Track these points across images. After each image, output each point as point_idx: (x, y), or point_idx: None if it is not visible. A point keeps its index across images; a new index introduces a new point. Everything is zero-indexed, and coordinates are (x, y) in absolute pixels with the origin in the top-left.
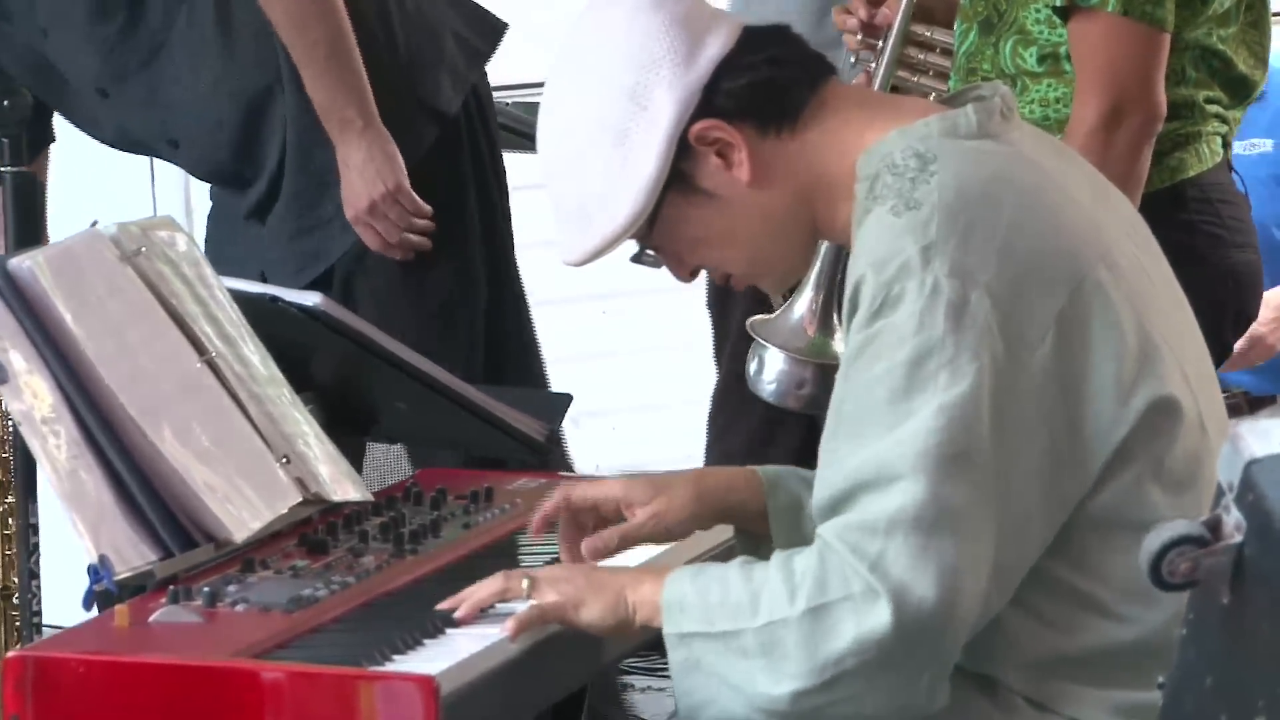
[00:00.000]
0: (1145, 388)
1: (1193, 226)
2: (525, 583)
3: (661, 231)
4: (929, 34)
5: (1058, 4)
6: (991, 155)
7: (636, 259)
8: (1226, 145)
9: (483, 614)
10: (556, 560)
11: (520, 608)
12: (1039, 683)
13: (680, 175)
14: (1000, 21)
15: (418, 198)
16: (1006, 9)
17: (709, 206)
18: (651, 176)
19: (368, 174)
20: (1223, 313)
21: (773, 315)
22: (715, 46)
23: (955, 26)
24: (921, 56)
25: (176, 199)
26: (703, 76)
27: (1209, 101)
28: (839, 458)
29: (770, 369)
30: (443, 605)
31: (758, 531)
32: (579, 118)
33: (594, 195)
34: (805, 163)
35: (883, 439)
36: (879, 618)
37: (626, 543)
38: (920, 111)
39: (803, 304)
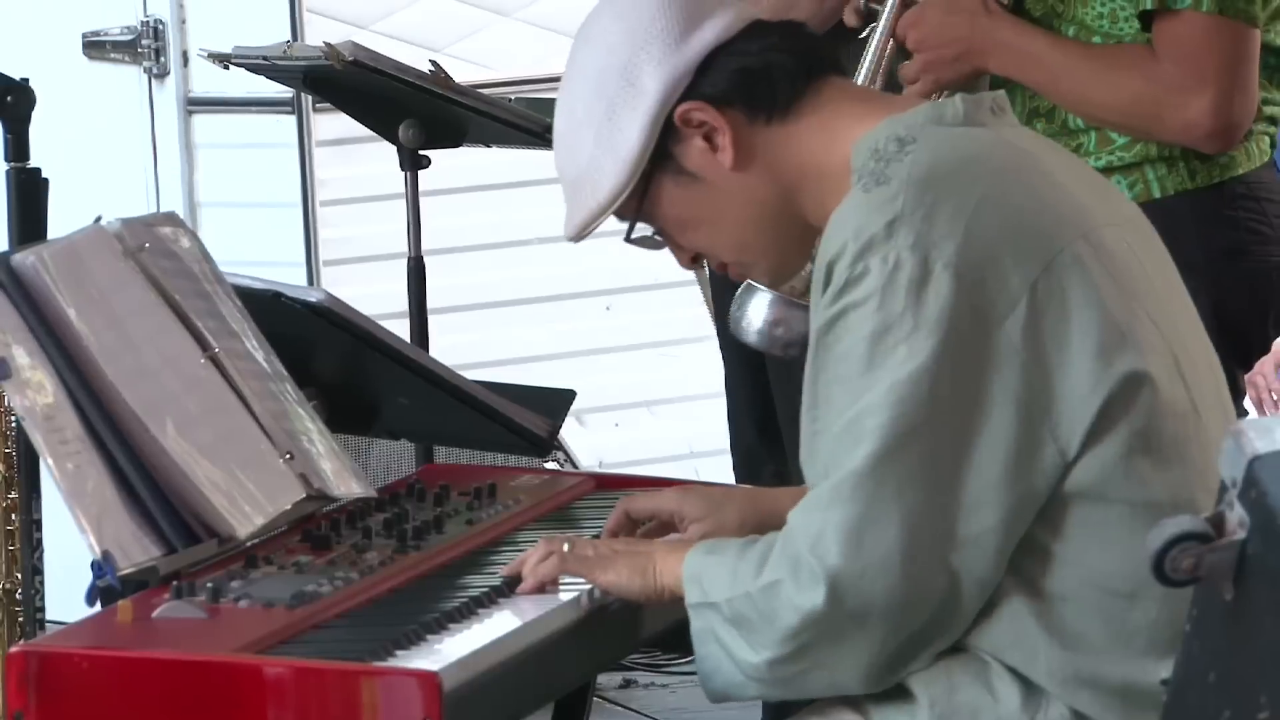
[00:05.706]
0: (1125, 358)
1: (1238, 223)
2: (566, 545)
3: (650, 212)
4: None
5: (1149, 6)
6: (972, 138)
7: (635, 241)
8: (1274, 144)
9: (510, 598)
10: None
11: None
12: (1030, 663)
13: (668, 156)
14: (1059, 19)
15: None
16: (1064, 9)
17: (694, 189)
18: (634, 152)
19: None
20: (1266, 309)
21: None
22: (712, 31)
23: None
24: None
25: (179, 195)
26: (692, 59)
27: (1265, 102)
28: (811, 440)
29: (756, 313)
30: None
31: None
32: (579, 92)
33: (584, 169)
34: (793, 151)
35: (844, 415)
36: (814, 596)
37: None
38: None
39: None
